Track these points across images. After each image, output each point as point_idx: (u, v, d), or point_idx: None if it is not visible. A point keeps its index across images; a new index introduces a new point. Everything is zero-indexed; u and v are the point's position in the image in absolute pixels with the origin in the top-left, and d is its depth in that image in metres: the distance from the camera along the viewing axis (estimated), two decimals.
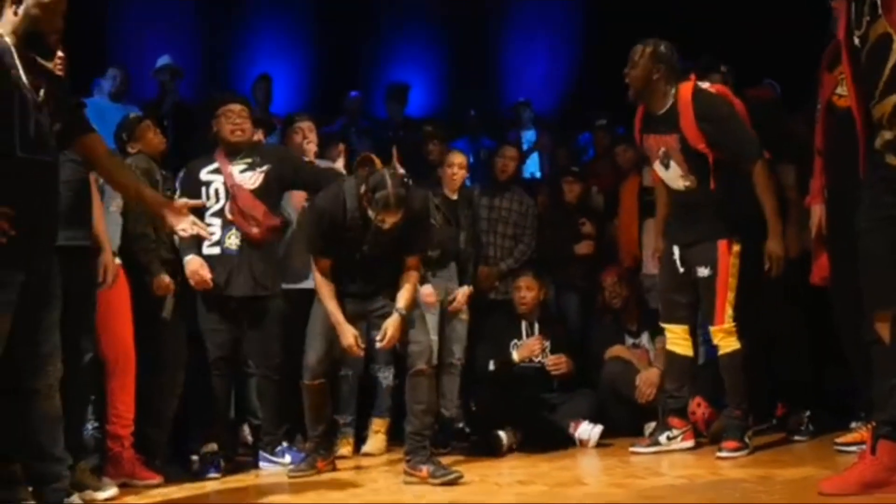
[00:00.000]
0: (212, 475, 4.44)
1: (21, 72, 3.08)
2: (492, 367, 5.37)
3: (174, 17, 9.05)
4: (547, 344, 5.45)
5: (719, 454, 4.28)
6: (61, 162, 3.38)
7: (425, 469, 4.02)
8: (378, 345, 4.29)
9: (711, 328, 4.48)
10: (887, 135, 3.11)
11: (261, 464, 4.74)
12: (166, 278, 4.46)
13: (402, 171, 4.25)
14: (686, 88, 4.45)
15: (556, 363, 5.37)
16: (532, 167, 8.00)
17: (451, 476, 3.96)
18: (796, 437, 4.71)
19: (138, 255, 4.40)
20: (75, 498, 3.22)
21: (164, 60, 7.53)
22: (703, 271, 4.48)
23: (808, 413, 4.75)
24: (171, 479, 4.29)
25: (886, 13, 3.07)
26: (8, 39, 3.09)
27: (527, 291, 5.51)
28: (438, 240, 5.39)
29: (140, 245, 4.43)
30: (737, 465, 4.04)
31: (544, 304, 5.65)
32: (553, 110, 9.53)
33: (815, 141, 4.37)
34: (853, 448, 4.05)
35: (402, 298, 4.26)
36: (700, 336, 5.34)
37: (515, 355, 5.43)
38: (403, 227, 4.18)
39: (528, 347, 5.43)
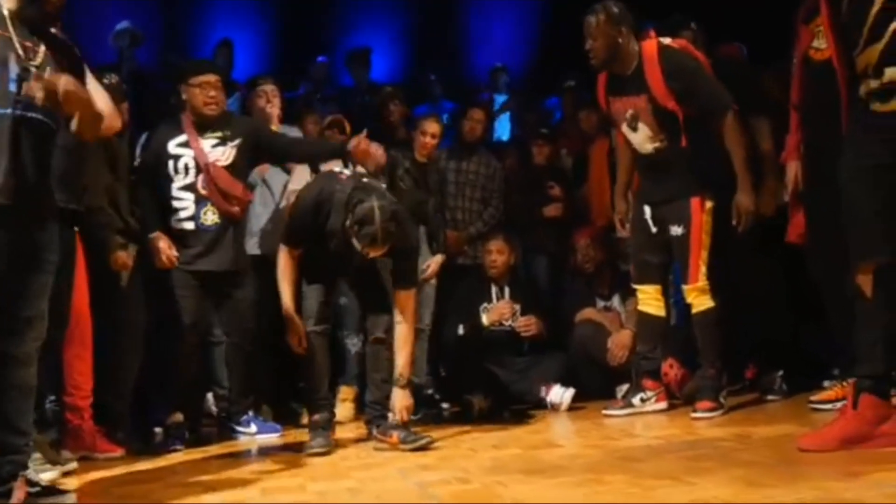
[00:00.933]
0: (176, 447, 4.33)
1: (12, 32, 2.93)
2: (461, 331, 5.28)
3: None
4: (517, 307, 5.37)
5: (694, 414, 4.22)
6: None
7: (395, 435, 3.92)
8: (393, 418, 4.02)
9: (685, 287, 4.41)
10: (873, 83, 3.02)
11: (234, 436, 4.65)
12: (123, 254, 4.31)
13: (392, 206, 3.86)
14: (650, 46, 4.34)
15: (527, 325, 5.29)
16: (501, 130, 7.89)
17: (422, 441, 3.86)
18: (769, 397, 4.66)
19: (94, 229, 4.23)
20: (31, 472, 3.08)
21: (123, 25, 7.25)
22: (675, 230, 4.40)
23: (780, 373, 4.70)
24: (133, 452, 4.17)
25: None
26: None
27: (497, 255, 5.43)
28: (407, 204, 5.29)
29: (96, 219, 4.26)
30: (712, 425, 3.98)
31: (514, 268, 5.56)
32: (521, 73, 9.40)
33: (788, 96, 4.31)
34: (828, 406, 4.00)
35: (402, 365, 4.02)
36: (672, 297, 5.30)
37: (485, 319, 5.34)
38: (395, 257, 4.00)
39: (497, 311, 5.34)
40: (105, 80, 4.51)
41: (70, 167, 3.65)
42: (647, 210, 4.52)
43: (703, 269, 4.35)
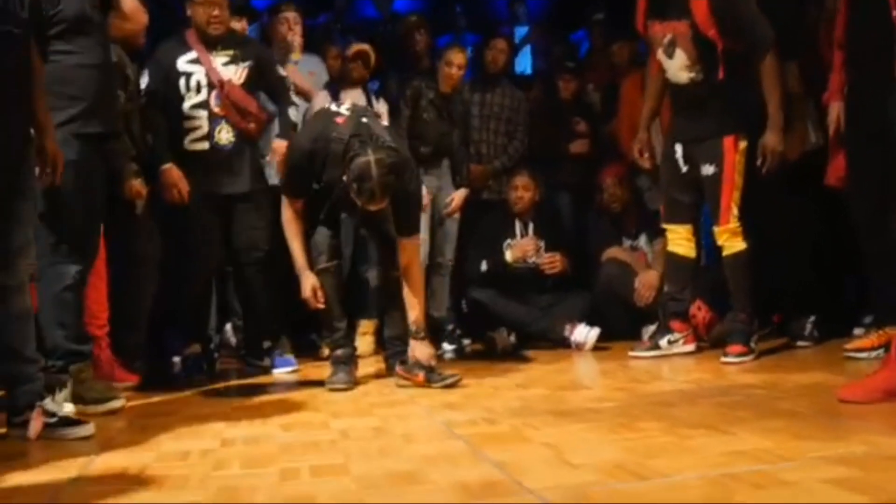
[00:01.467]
0: (195, 378, 4.27)
1: None
2: (484, 267, 5.18)
3: None
4: (541, 244, 5.26)
5: (724, 359, 4.11)
6: None
7: (421, 374, 3.82)
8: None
9: (716, 228, 4.28)
10: None
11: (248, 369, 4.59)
12: (137, 182, 4.19)
13: (387, 145, 3.72)
14: None
15: (552, 262, 5.19)
16: (524, 64, 7.70)
17: (450, 380, 3.77)
18: (799, 343, 4.55)
19: (109, 156, 4.11)
20: (48, 402, 3.02)
21: None
22: (707, 169, 4.27)
23: (812, 318, 4.59)
24: (152, 383, 4.10)
25: None
26: None
27: (523, 191, 5.31)
28: (431, 136, 5.19)
29: (111, 146, 4.13)
30: (743, 370, 3.88)
31: (539, 205, 5.43)
32: (546, 5, 9.17)
33: (828, 35, 4.15)
34: (863, 354, 3.90)
35: (416, 316, 3.92)
36: (701, 238, 5.18)
37: (509, 255, 5.23)
38: (396, 205, 3.84)
39: (521, 247, 5.23)
40: None
41: (99, 87, 3.54)
42: (679, 148, 4.38)
43: (735, 210, 4.23)
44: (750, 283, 4.27)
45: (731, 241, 4.26)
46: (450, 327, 5.25)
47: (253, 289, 4.62)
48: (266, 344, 4.65)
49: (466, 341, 5.24)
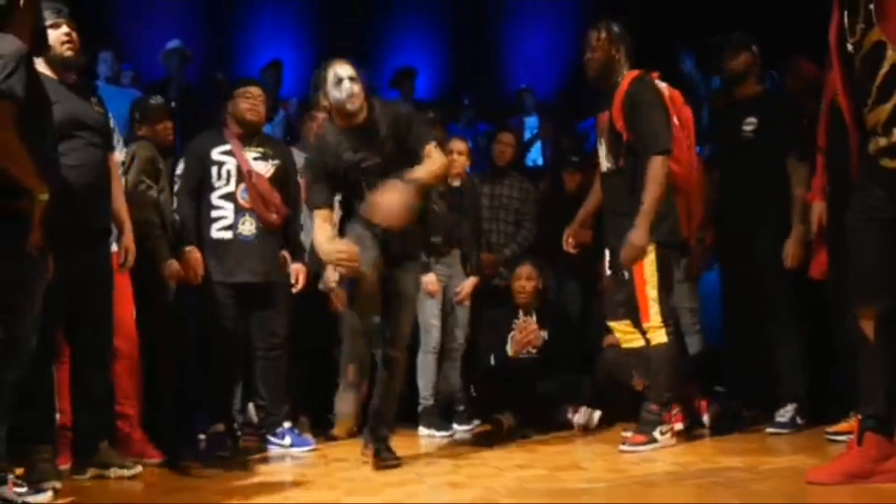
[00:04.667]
0: (218, 455, 4.54)
1: None
2: (493, 361, 5.45)
3: (176, 1, 9.12)
4: (543, 333, 5.50)
5: (621, 447, 4.31)
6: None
7: (371, 449, 4.12)
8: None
9: (643, 324, 4.49)
10: (882, 141, 3.20)
11: (269, 447, 4.85)
12: (175, 264, 4.56)
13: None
14: (633, 73, 4.49)
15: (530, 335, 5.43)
16: (535, 154, 8.07)
17: (392, 462, 4.05)
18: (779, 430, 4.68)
19: (145, 241, 4.48)
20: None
21: (174, 44, 7.50)
22: (625, 273, 4.50)
23: (795, 405, 4.72)
24: (177, 460, 4.38)
25: (881, 22, 3.16)
26: None
27: (526, 281, 5.56)
28: (441, 227, 5.45)
29: (147, 231, 4.52)
30: (727, 453, 4.12)
31: (543, 293, 5.68)
32: (556, 95, 9.58)
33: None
34: (843, 437, 4.14)
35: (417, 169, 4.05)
36: (698, 324, 5.47)
37: (510, 349, 5.48)
38: (397, 129, 4.11)
39: (520, 342, 5.47)
40: (152, 101, 4.88)
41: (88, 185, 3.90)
42: (606, 254, 4.66)
43: (655, 306, 4.40)
44: (667, 376, 4.44)
45: (653, 334, 4.45)
46: (461, 408, 5.51)
47: (269, 372, 4.89)
48: (286, 424, 4.91)
49: (476, 422, 5.50)
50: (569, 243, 4.94)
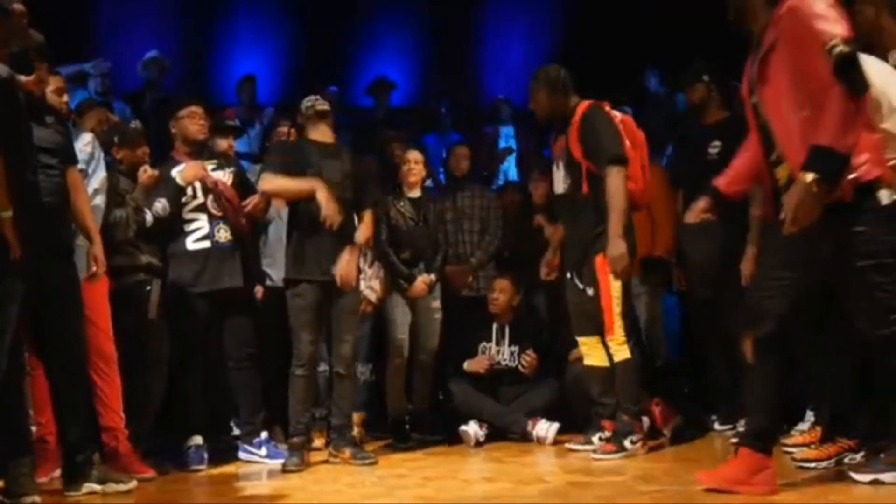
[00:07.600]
0: (196, 467, 4.65)
1: None
2: (466, 367, 5.58)
3: (154, 14, 9.17)
4: (514, 349, 5.61)
5: (592, 455, 4.61)
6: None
7: (347, 451, 4.68)
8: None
9: (607, 339, 4.70)
10: (784, 198, 3.41)
11: (240, 454, 4.94)
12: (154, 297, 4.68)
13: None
14: (585, 103, 4.73)
15: (529, 362, 5.54)
16: (508, 166, 8.16)
17: (369, 460, 4.65)
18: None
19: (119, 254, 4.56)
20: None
21: (152, 54, 7.60)
22: (590, 291, 4.70)
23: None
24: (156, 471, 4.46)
25: (760, 85, 3.44)
26: None
27: (500, 294, 5.65)
28: (406, 241, 5.57)
29: (123, 248, 4.62)
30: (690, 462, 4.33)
31: (517, 309, 5.75)
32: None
33: None
34: (795, 450, 4.30)
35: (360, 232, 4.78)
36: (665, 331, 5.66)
37: (466, 365, 5.59)
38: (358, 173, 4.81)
39: (477, 363, 5.58)
40: (132, 125, 5.00)
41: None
42: (571, 274, 4.85)
43: (619, 322, 4.62)
44: (634, 389, 4.69)
45: (618, 350, 4.66)
46: (429, 420, 5.58)
47: (241, 383, 4.98)
48: (263, 434, 4.99)
49: (438, 437, 5.47)
50: (545, 273, 5.19)
